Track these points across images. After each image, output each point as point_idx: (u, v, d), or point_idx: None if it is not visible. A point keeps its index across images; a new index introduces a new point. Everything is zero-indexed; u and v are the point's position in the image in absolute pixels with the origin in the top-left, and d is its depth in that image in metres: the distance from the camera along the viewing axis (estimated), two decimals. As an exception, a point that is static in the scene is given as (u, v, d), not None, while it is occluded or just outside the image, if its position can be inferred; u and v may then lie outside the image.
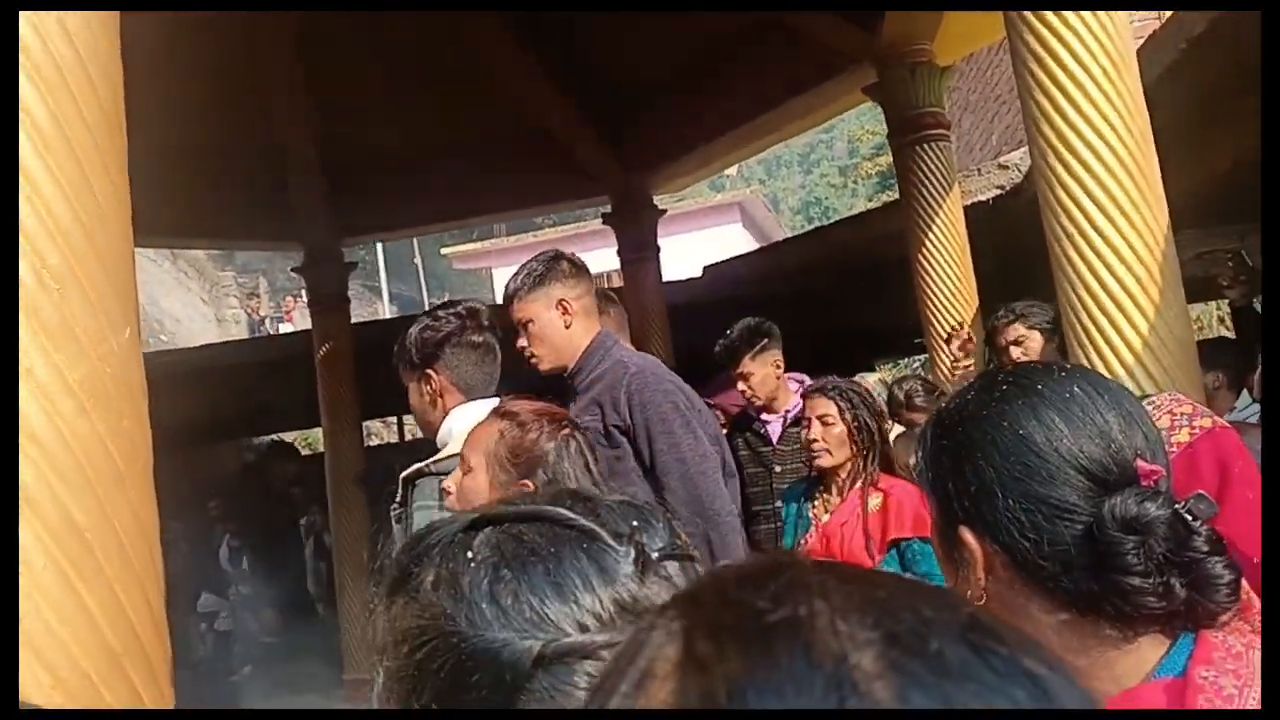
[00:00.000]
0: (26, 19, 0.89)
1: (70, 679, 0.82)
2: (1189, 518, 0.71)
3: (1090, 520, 0.73)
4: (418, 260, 19.09)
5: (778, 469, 3.25)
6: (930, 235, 3.89)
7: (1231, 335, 4.87)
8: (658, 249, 5.98)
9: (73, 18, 0.92)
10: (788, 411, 3.26)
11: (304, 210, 6.18)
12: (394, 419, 8.32)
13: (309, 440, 11.74)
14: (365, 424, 6.96)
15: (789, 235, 19.76)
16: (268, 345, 9.64)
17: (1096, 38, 2.04)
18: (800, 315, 4.39)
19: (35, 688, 0.80)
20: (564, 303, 2.28)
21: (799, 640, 0.28)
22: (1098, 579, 0.72)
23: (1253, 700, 0.68)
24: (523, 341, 2.29)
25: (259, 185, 6.00)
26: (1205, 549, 0.71)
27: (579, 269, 2.34)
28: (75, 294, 0.89)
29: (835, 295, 5.57)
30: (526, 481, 1.52)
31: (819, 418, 2.57)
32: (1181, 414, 1.07)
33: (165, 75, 5.11)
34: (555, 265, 2.31)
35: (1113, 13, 2.07)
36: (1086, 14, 2.04)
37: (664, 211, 6.19)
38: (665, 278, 6.24)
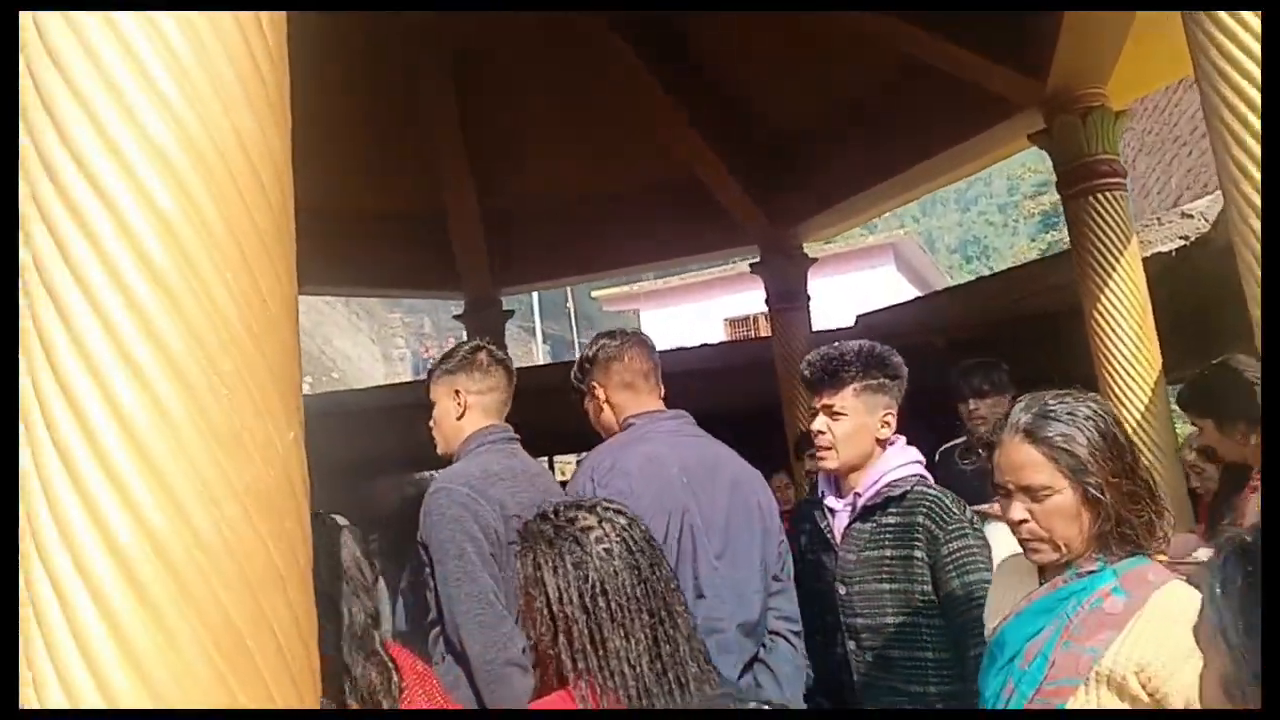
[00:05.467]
0: (197, 119, 0.93)
1: (228, 788, 0.83)
2: None
3: None
4: (570, 304, 19.57)
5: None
6: (1107, 292, 3.62)
7: None
8: (808, 297, 5.87)
9: (247, 121, 0.96)
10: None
11: (465, 262, 6.45)
12: (545, 458, 8.48)
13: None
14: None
15: (944, 276, 19.07)
16: (427, 387, 10.04)
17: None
18: (959, 371, 4.17)
19: (194, 796, 0.81)
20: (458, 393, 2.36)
21: None
22: None
23: None
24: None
25: (424, 239, 6.31)
26: None
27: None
28: (245, 399, 0.92)
29: (997, 351, 5.30)
30: None
31: None
32: None
33: (337, 144, 5.47)
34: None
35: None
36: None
37: (814, 260, 6.09)
38: (815, 325, 6.11)
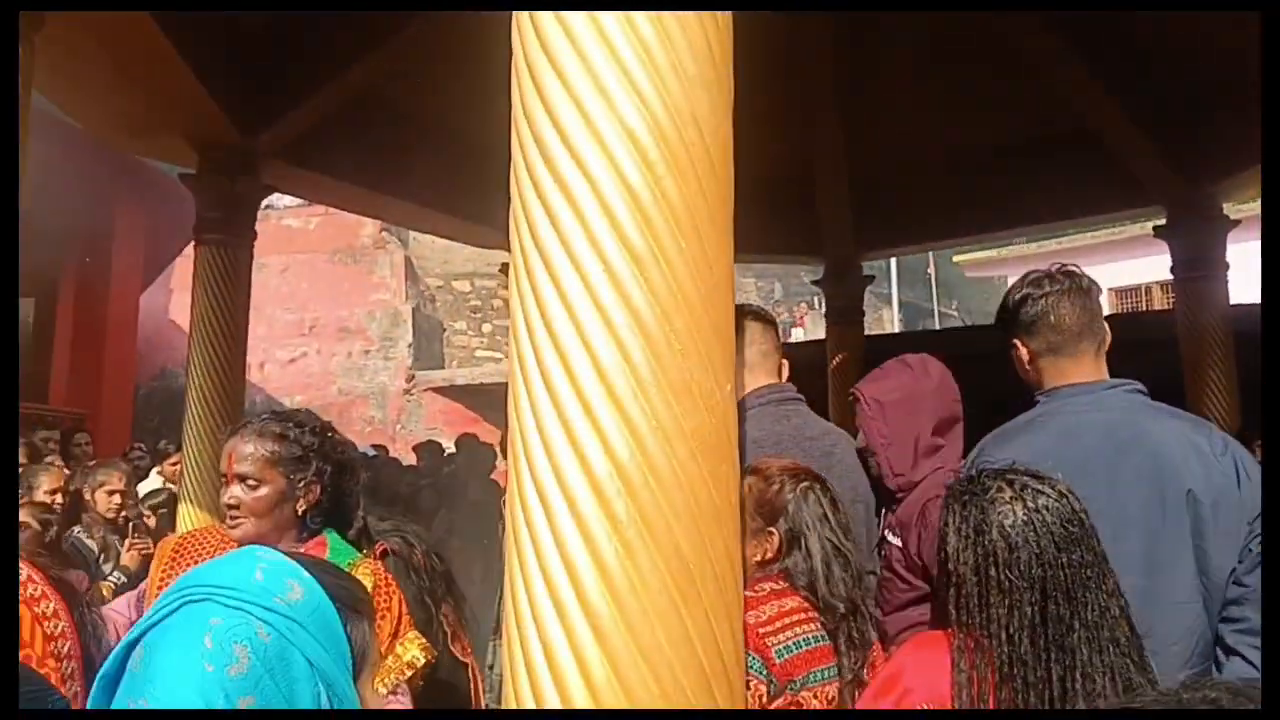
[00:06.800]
0: (661, 102, 1.04)
1: (671, 690, 0.95)
2: None
3: None
4: (930, 270, 18.78)
5: None
6: None
7: None
8: (1225, 266, 5.12)
9: (702, 104, 1.06)
10: None
11: (829, 227, 6.44)
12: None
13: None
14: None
15: None
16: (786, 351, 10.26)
17: None
18: None
19: (645, 693, 0.94)
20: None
21: None
22: None
23: None
24: None
25: (788, 204, 6.38)
26: None
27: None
28: (694, 355, 1.02)
29: None
30: (771, 529, 1.78)
31: None
32: None
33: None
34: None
35: None
36: None
37: (1236, 223, 5.28)
38: (1234, 298, 5.31)
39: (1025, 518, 1.44)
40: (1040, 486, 1.48)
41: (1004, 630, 1.40)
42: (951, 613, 1.47)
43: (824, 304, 7.25)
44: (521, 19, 1.12)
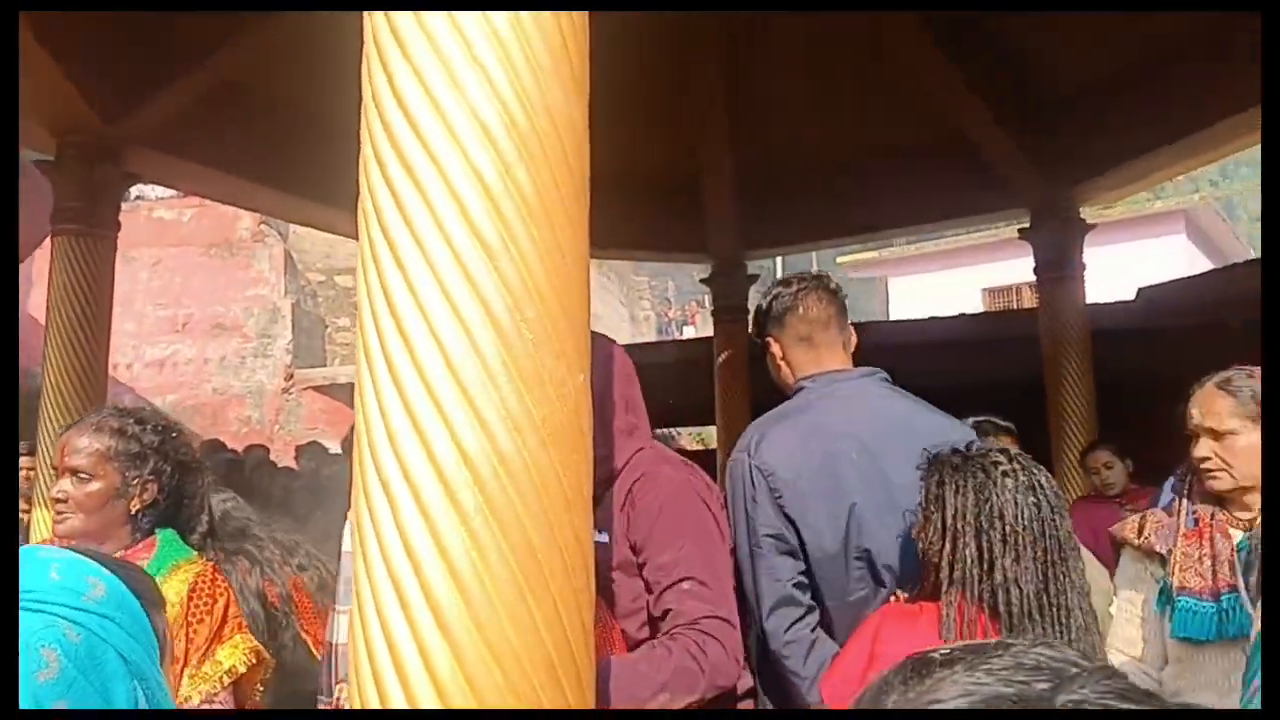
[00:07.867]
0: (513, 91, 1.03)
1: (519, 682, 0.95)
2: None
3: None
4: (814, 269, 19.22)
5: None
6: None
7: None
8: (1082, 267, 5.44)
9: (555, 95, 1.06)
10: None
11: (715, 226, 6.54)
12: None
13: (702, 437, 12.62)
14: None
15: (1247, 249, 16.86)
16: (675, 348, 10.39)
17: None
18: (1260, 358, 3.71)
19: (491, 687, 0.94)
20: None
21: None
22: None
23: None
24: None
25: (674, 201, 6.45)
26: None
27: None
28: (546, 344, 1.02)
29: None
30: None
31: None
32: None
33: (599, 107, 5.69)
34: None
35: None
36: None
37: (1092, 226, 5.61)
38: (1090, 299, 5.65)
39: (1027, 480, 1.50)
40: (1028, 460, 1.55)
41: (1011, 582, 1.42)
42: (944, 571, 1.48)
43: (711, 302, 7.37)
44: (374, 17, 1.09)
